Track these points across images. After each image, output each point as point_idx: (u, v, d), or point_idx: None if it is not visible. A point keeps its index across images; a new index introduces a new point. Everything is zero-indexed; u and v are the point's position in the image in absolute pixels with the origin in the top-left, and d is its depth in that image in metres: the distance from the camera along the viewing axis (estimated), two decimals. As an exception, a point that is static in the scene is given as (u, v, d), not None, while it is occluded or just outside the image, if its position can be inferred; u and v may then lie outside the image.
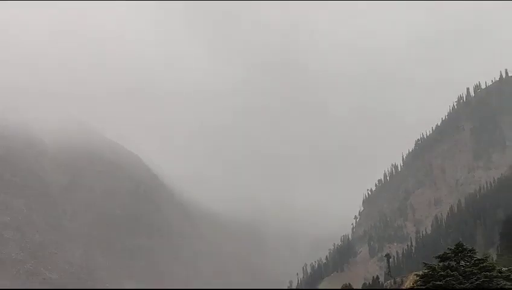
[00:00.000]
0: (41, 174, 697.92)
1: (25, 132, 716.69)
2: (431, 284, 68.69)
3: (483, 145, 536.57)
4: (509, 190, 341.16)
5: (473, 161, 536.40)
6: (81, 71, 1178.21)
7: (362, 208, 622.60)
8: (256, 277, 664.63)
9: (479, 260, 70.63)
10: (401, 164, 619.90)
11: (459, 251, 70.86)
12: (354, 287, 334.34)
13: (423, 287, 70.09)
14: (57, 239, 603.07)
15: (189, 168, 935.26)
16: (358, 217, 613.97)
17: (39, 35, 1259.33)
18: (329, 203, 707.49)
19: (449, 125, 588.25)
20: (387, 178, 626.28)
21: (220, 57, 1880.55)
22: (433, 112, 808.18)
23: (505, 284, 68.32)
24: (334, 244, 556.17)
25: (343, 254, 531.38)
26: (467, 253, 70.83)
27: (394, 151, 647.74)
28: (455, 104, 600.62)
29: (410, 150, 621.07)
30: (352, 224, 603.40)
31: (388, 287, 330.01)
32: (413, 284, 76.30)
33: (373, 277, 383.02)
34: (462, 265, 69.30)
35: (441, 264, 70.41)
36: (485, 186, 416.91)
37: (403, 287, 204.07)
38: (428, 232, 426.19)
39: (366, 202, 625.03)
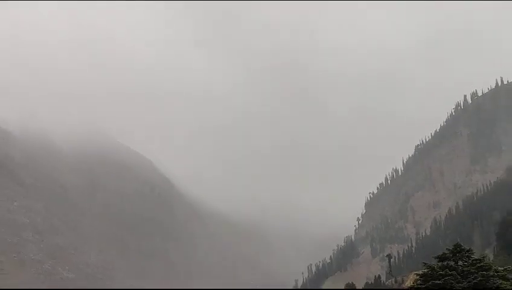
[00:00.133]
0: (60, 178, 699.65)
1: (43, 138, 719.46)
2: (430, 283, 68.41)
3: (479, 150, 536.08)
4: (505, 193, 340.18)
5: (470, 165, 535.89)
6: (81, 71, 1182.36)
7: (364, 210, 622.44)
8: (264, 276, 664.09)
9: (476, 260, 70.28)
10: (402, 168, 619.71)
11: (457, 251, 70.54)
12: (357, 286, 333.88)
13: (423, 286, 69.83)
14: (74, 240, 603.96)
15: (195, 169, 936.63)
16: (361, 219, 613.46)
17: (49, 39, 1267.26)
18: (333, 206, 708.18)
19: (447, 131, 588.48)
20: (388, 181, 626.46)
21: (220, 57, 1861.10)
22: (433, 112, 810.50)
23: (501, 283, 67.98)
24: (338, 245, 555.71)
25: (346, 254, 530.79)
26: (465, 253, 70.52)
27: (395, 153, 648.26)
28: (453, 110, 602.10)
29: (410, 155, 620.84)
30: (354, 226, 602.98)
31: (389, 286, 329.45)
32: (413, 283, 75.90)
33: (375, 276, 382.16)
34: (460, 265, 69.00)
35: (439, 264, 70.11)
36: (482, 189, 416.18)
37: (404, 286, 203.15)
38: (428, 233, 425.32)
39: (368, 204, 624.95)
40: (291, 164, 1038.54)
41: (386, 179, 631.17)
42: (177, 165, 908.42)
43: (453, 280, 66.81)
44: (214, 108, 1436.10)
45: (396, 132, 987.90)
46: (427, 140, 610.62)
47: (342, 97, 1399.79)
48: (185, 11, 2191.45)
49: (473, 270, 68.00)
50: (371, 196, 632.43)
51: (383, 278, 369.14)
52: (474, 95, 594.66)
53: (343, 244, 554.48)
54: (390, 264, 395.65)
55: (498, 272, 70.19)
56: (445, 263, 69.80)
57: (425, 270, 71.30)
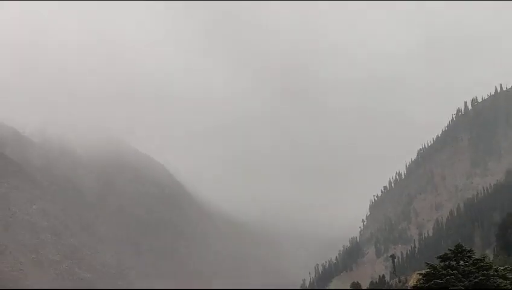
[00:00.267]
0: (76, 181, 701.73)
1: (60, 143, 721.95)
2: (433, 282, 68.54)
3: (480, 154, 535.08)
4: (504, 195, 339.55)
5: (470, 169, 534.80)
6: (92, 76, 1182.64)
7: (369, 213, 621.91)
8: (273, 275, 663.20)
9: (477, 260, 70.40)
10: (405, 172, 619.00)
11: (459, 251, 70.66)
12: (362, 286, 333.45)
13: (426, 285, 69.94)
14: (90, 241, 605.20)
15: (204, 171, 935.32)
16: (366, 220, 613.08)
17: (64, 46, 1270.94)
18: (338, 207, 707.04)
19: (448, 136, 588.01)
20: (392, 185, 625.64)
21: (223, 59, 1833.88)
22: (433, 112, 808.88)
23: (501, 282, 68.07)
24: (343, 245, 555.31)
25: (351, 254, 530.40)
26: (466, 253, 70.63)
27: (397, 153, 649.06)
28: (454, 116, 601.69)
29: (413, 158, 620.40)
30: (360, 227, 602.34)
31: (393, 285, 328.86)
32: (416, 283, 75.97)
33: (379, 275, 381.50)
34: (461, 265, 69.11)
35: (442, 264, 70.25)
36: (482, 191, 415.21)
37: (407, 285, 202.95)
38: (430, 234, 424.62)
39: (373, 206, 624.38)
40: (296, 166, 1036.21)
41: (390, 182, 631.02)
42: (185, 167, 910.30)
43: (454, 279, 66.95)
44: (217, 110, 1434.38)
45: (397, 132, 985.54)
46: (428, 145, 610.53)
47: (344, 98, 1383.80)
48: (187, 13, 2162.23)
49: (474, 270, 68.12)
50: (375, 198, 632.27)
51: (387, 278, 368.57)
52: (474, 101, 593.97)
53: (348, 245, 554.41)
54: (394, 264, 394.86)
55: (498, 271, 70.29)
56: (447, 263, 69.92)
57: (428, 270, 71.42)
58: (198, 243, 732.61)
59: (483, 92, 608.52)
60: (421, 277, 73.77)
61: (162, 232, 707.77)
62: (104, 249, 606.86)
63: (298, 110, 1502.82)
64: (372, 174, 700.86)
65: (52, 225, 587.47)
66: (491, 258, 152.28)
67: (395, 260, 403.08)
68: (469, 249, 72.31)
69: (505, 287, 67.97)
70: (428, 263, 73.74)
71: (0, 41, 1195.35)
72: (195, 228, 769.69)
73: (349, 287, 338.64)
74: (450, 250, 72.04)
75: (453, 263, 69.92)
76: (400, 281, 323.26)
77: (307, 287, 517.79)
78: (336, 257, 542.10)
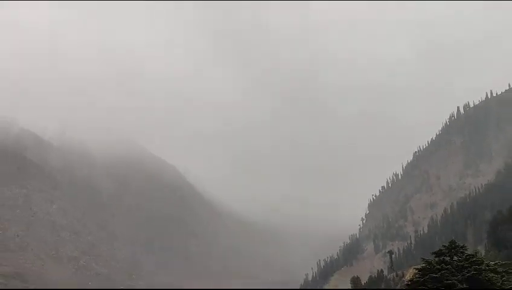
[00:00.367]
0: (93, 183, 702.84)
1: (78, 147, 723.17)
2: (428, 276, 68.62)
3: (472, 156, 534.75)
4: (495, 195, 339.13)
5: (463, 170, 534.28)
6: (108, 82, 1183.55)
7: (368, 211, 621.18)
8: (278, 271, 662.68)
9: (469, 255, 70.48)
10: (401, 173, 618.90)
11: (452, 247, 70.74)
12: (362, 280, 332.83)
13: (421, 279, 69.97)
14: (106, 239, 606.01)
15: (212, 171, 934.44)
16: (365, 218, 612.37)
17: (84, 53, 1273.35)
18: (339, 206, 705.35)
19: (442, 139, 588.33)
20: (389, 185, 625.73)
21: (231, 66, 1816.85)
22: (428, 117, 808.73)
23: (492, 277, 68.16)
24: (344, 242, 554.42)
25: (352, 250, 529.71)
26: (459, 249, 70.71)
27: (394, 154, 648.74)
28: (447, 120, 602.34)
29: (409, 160, 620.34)
30: (359, 225, 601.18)
31: (391, 279, 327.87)
32: (412, 277, 76.05)
33: (378, 270, 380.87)
34: (455, 260, 69.19)
35: (436, 259, 70.34)
36: (474, 191, 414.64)
37: (404, 280, 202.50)
38: (425, 231, 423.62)
39: (371, 205, 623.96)
40: (300, 167, 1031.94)
41: (387, 183, 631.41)
42: (195, 168, 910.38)
43: (448, 273, 67.02)
44: (225, 113, 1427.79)
45: (394, 136, 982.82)
46: (424, 147, 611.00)
47: (344, 102, 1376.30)
48: (195, 15, 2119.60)
49: (467, 265, 68.17)
50: (374, 197, 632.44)
51: (385, 272, 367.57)
52: (466, 106, 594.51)
53: (348, 241, 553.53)
54: (391, 260, 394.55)
55: (489, 266, 70.39)
56: (442, 258, 70.00)
57: (424, 265, 71.51)
58: (208, 241, 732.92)
59: (475, 98, 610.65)
60: (417, 271, 73.84)
61: (173, 230, 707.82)
62: (119, 246, 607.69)
63: (300, 113, 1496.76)
64: (371, 175, 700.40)
65: (71, 224, 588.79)
66: (483, 254, 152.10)
67: (393, 255, 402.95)
68: (462, 245, 72.39)
69: (496, 281, 68.06)
70: (423, 259, 73.85)
71: (21, 48, 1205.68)
72: (205, 226, 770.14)
73: (349, 281, 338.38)
74: (444, 246, 72.12)
75: (447, 258, 70.01)
76: (397, 276, 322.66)
77: (310, 281, 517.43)
78: (337, 253, 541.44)
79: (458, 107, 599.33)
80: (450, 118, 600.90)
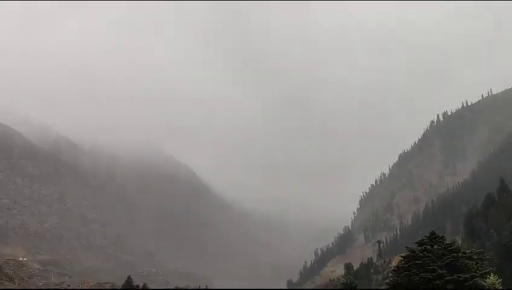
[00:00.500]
0: (119, 181, 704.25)
1: (107, 150, 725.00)
2: (412, 263, 68.92)
3: (449, 157, 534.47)
4: (470, 191, 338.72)
5: (442, 169, 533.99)
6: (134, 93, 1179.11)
7: (359, 206, 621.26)
8: (279, 257, 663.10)
9: (448, 244, 70.80)
10: (388, 172, 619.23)
11: (433, 237, 71.09)
12: (354, 266, 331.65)
13: (406, 265, 70.25)
14: (131, 230, 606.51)
15: (221, 171, 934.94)
16: (356, 212, 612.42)
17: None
18: (334, 202, 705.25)
19: (424, 142, 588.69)
20: (378, 183, 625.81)
21: (244, 86, 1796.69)
22: (410, 126, 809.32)
23: (468, 263, 68.47)
24: (338, 233, 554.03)
25: (345, 240, 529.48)
26: (439, 239, 71.03)
27: (381, 159, 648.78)
28: (428, 126, 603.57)
29: (395, 162, 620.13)
30: (351, 218, 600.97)
31: (379, 265, 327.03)
32: (398, 263, 76.27)
33: (368, 258, 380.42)
34: (435, 248, 69.50)
35: (419, 248, 70.64)
36: (452, 188, 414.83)
37: (391, 266, 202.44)
38: (409, 223, 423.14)
39: (362, 201, 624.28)
40: (300, 166, 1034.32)
41: (376, 181, 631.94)
42: (206, 167, 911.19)
43: (429, 260, 67.37)
44: (235, 121, 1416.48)
45: (382, 140, 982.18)
46: (407, 150, 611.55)
47: (340, 117, 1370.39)
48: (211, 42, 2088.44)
49: (446, 253, 68.51)
50: (364, 194, 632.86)
51: (375, 260, 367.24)
52: (444, 114, 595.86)
53: (342, 232, 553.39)
54: (380, 248, 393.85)
55: (465, 254, 70.72)
56: (424, 247, 70.33)
57: (408, 253, 71.77)
58: (218, 231, 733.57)
59: (452, 107, 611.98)
60: (402, 258, 74.05)
61: (188, 222, 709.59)
62: (141, 237, 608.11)
63: (302, 122, 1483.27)
64: (362, 175, 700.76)
65: (99, 217, 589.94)
66: (460, 243, 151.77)
67: (381, 244, 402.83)
68: (441, 235, 72.68)
69: (471, 267, 68.39)
70: (408, 247, 74.11)
71: (54, 62, 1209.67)
72: (216, 218, 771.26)
73: (343, 267, 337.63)
74: (426, 236, 72.45)
75: (429, 247, 70.32)
76: (384, 262, 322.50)
77: (308, 267, 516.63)
78: (332, 242, 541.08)
79: (438, 115, 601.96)
80: (431, 124, 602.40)
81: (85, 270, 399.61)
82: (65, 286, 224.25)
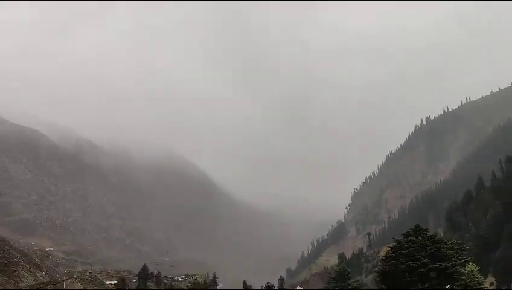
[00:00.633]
0: (135, 179, 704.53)
1: (125, 151, 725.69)
2: (399, 252, 69.10)
3: (432, 158, 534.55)
4: (451, 188, 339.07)
5: (426, 169, 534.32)
6: (149, 101, 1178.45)
7: (351, 201, 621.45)
8: (280, 247, 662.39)
9: (431, 236, 71.04)
10: (377, 171, 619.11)
11: (417, 230, 71.30)
12: (346, 255, 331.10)
13: (393, 255, 70.39)
14: (146, 224, 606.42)
15: (228, 171, 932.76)
16: (349, 207, 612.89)
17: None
18: (329, 198, 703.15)
19: (409, 144, 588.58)
20: (368, 181, 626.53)
21: (244, 86, 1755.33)
22: (401, 130, 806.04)
23: (449, 253, 68.71)
24: (332, 226, 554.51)
25: (338, 232, 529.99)
26: (423, 231, 71.25)
27: (373, 161, 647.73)
28: (413, 130, 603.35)
29: (383, 162, 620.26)
30: (344, 212, 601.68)
31: (369, 255, 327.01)
32: (386, 253, 76.38)
33: (359, 248, 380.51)
34: (419, 240, 69.73)
35: (405, 239, 70.84)
36: (435, 186, 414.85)
37: (380, 255, 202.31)
38: (396, 217, 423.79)
39: (354, 197, 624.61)
40: (298, 166, 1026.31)
41: (366, 179, 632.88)
42: (214, 167, 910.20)
43: (414, 250, 67.59)
44: (235, 121, 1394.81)
45: (372, 143, 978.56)
46: (394, 151, 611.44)
47: (341, 119, 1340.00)
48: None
49: (429, 244, 68.72)
50: (356, 191, 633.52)
51: (365, 250, 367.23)
52: (428, 119, 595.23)
53: (336, 225, 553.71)
54: (370, 240, 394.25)
55: (446, 244, 71.01)
56: (409, 238, 70.54)
57: (395, 244, 71.98)
58: (224, 224, 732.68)
59: (435, 112, 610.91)
60: (390, 249, 74.22)
61: (198, 216, 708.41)
62: (156, 230, 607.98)
63: (302, 121, 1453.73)
64: (353, 173, 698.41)
65: (118, 212, 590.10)
66: (441, 235, 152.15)
67: (371, 236, 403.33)
68: (425, 228, 72.93)
69: (452, 256, 68.62)
70: (395, 239, 74.35)
71: (76, 71, 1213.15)
72: (223, 213, 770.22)
73: (336, 256, 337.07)
74: (411, 229, 72.67)
75: (413, 238, 70.53)
76: (374, 252, 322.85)
77: (306, 256, 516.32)
78: (327, 234, 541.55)
79: (421, 120, 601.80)
80: (415, 128, 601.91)
81: (105, 260, 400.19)
82: (87, 274, 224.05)
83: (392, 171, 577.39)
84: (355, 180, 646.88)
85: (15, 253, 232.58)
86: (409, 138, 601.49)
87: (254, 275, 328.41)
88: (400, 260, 67.88)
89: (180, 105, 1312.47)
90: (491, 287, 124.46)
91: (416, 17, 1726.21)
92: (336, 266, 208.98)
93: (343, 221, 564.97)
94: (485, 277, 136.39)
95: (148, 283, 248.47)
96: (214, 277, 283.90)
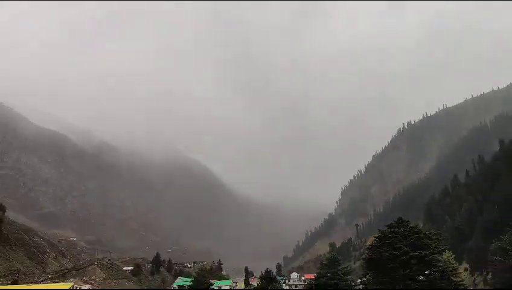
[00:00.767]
0: (149, 178, 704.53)
1: (139, 152, 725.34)
2: (383, 242, 69.45)
3: (413, 158, 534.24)
4: (429, 185, 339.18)
5: (407, 168, 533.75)
6: (164, 112, 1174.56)
7: (340, 197, 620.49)
8: (277, 237, 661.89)
9: (412, 227, 71.35)
10: (364, 170, 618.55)
11: (400, 222, 71.63)
12: (337, 245, 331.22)
13: (379, 244, 70.73)
14: (158, 217, 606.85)
15: (233, 170, 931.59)
16: (338, 201, 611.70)
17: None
18: (321, 193, 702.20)
19: (392, 146, 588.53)
20: (356, 178, 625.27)
21: (248, 103, 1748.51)
22: (385, 133, 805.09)
23: (427, 242, 69.03)
24: (324, 218, 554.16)
25: (329, 224, 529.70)
26: (404, 223, 71.56)
27: (360, 160, 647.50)
28: (395, 133, 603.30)
29: (369, 161, 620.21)
30: (334, 206, 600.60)
31: (357, 244, 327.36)
32: (372, 243, 76.75)
33: (348, 238, 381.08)
34: (401, 230, 70.04)
35: (389, 230, 71.18)
36: (415, 182, 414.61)
37: (366, 244, 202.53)
38: (381, 210, 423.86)
39: (343, 192, 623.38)
40: (294, 165, 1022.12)
41: (354, 176, 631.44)
42: (221, 167, 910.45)
43: (397, 240, 67.93)
44: (243, 134, 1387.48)
45: (359, 144, 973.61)
46: (379, 152, 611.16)
47: (330, 123, 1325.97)
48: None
49: (410, 234, 69.07)
50: (345, 187, 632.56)
51: (353, 239, 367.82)
52: (409, 123, 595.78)
53: (327, 217, 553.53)
54: (357, 231, 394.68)
55: (426, 235, 71.31)
56: (392, 229, 70.87)
57: (380, 234, 72.32)
58: (228, 217, 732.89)
59: (415, 117, 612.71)
60: (375, 239, 74.56)
61: (205, 210, 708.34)
62: (167, 222, 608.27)
63: (297, 129, 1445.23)
64: (343, 171, 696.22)
65: (134, 206, 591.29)
66: (421, 226, 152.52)
67: (358, 227, 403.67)
68: (406, 220, 73.23)
69: (430, 245, 68.92)
70: (380, 230, 74.66)
71: (98, 83, 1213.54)
72: (226, 207, 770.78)
73: (328, 245, 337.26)
74: (394, 221, 73.02)
75: (396, 229, 70.84)
76: (361, 241, 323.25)
77: (301, 245, 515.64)
78: (319, 226, 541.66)
79: (403, 124, 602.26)
80: (398, 131, 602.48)
81: (123, 248, 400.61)
82: (107, 261, 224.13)
83: (377, 170, 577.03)
84: (345, 178, 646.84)
85: (43, 242, 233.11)
86: (392, 140, 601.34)
87: (254, 262, 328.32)
88: (384, 248, 68.20)
89: (189, 113, 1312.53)
90: (465, 273, 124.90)
91: (402, 34, 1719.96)
92: (327, 253, 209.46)
93: (334, 214, 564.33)
94: (460, 263, 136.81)
95: (160, 269, 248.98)
96: (220, 263, 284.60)
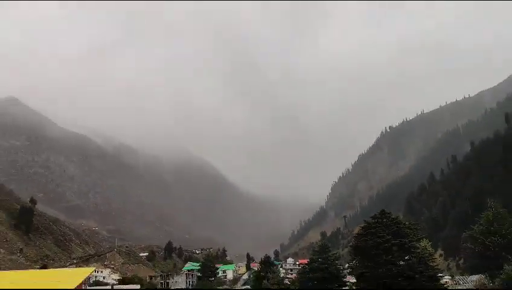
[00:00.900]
0: (163, 176, 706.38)
1: (154, 153, 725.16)
2: (368, 231, 69.09)
3: (394, 158, 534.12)
4: (409, 182, 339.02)
5: (388, 167, 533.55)
6: (177, 121, 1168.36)
7: (331, 191, 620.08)
8: (274, 227, 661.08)
9: (393, 218, 70.95)
10: (351, 168, 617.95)
11: (383, 214, 71.24)
12: (327, 233, 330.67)
13: (364, 233, 70.39)
14: (171, 211, 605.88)
15: (237, 169, 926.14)
16: (329, 196, 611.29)
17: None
18: (314, 188, 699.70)
19: (376, 147, 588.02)
20: (344, 175, 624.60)
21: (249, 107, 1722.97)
22: (369, 136, 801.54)
23: (407, 231, 68.65)
24: (316, 210, 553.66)
25: (321, 216, 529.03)
26: (387, 215, 71.15)
27: (347, 159, 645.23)
28: (379, 136, 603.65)
29: (356, 160, 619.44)
30: (325, 199, 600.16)
31: (345, 233, 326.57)
32: (358, 232, 76.31)
33: (337, 228, 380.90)
34: (384, 221, 69.65)
35: (373, 220, 70.81)
36: (396, 180, 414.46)
37: (353, 233, 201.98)
38: (367, 204, 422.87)
39: (333, 188, 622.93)
40: (291, 163, 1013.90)
41: (342, 174, 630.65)
42: (226, 166, 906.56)
43: (380, 229, 67.55)
44: (247, 137, 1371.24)
45: (348, 146, 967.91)
46: (364, 152, 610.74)
47: (321, 127, 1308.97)
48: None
49: (392, 224, 68.68)
50: (334, 183, 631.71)
51: (342, 229, 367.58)
52: (390, 127, 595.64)
53: (319, 210, 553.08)
54: (345, 222, 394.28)
55: (405, 225, 70.93)
56: (376, 220, 70.50)
57: (365, 225, 71.92)
58: (232, 211, 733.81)
59: (396, 121, 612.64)
60: (361, 228, 74.14)
61: (212, 205, 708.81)
62: (180, 215, 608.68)
63: (291, 133, 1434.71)
64: (333, 169, 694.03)
65: (150, 201, 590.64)
66: (401, 218, 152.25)
67: (346, 219, 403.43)
68: (389, 212, 72.83)
69: (410, 233, 68.59)
70: (365, 220, 74.26)
71: (114, 87, 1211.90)
72: (230, 202, 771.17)
73: (319, 235, 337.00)
74: (378, 213, 72.70)
75: (380, 220, 70.49)
76: (348, 231, 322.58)
77: (295, 234, 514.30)
78: (312, 217, 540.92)
79: (385, 127, 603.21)
80: (381, 134, 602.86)
81: (140, 237, 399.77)
82: (125, 248, 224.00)
83: (363, 168, 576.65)
84: (334, 175, 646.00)
85: (68, 231, 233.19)
86: (375, 142, 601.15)
87: (255, 249, 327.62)
88: (369, 237, 67.83)
89: (199, 118, 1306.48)
90: (440, 258, 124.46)
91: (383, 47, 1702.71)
92: (319, 241, 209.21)
93: (325, 207, 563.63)
94: (436, 250, 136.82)
95: (172, 255, 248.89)
96: (224, 250, 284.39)
